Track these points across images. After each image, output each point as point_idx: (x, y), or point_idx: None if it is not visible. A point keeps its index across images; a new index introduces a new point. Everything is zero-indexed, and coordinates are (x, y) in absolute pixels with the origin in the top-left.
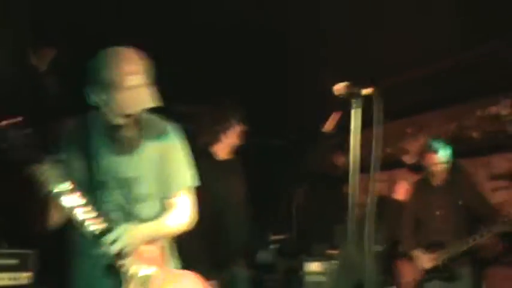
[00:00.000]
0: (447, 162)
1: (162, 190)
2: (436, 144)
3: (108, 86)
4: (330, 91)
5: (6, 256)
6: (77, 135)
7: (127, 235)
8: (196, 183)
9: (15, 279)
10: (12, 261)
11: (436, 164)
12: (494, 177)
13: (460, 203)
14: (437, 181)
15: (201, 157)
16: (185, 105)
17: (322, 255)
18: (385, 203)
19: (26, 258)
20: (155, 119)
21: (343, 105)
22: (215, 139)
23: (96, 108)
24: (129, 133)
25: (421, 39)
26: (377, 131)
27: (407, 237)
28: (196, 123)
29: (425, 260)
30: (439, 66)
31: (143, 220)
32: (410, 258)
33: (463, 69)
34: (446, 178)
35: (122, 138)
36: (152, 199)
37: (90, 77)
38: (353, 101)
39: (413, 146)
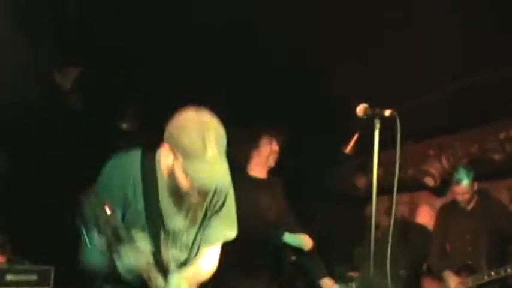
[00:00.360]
0: (472, 189)
1: (202, 237)
2: (459, 174)
3: (185, 152)
4: (353, 112)
5: (26, 272)
6: (138, 180)
7: (183, 284)
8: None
9: None
10: (32, 277)
11: (462, 194)
12: None
13: (491, 226)
14: (466, 206)
15: (235, 173)
16: None
17: (342, 277)
18: (407, 228)
19: (46, 274)
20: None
21: (362, 126)
22: (248, 156)
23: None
24: (194, 200)
25: (443, 60)
26: (398, 152)
27: (437, 258)
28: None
29: (455, 283)
30: (462, 87)
31: (181, 265)
32: (438, 279)
33: (485, 91)
34: (475, 202)
35: (184, 199)
36: (194, 246)
37: (168, 137)
38: (375, 122)
39: (435, 168)
